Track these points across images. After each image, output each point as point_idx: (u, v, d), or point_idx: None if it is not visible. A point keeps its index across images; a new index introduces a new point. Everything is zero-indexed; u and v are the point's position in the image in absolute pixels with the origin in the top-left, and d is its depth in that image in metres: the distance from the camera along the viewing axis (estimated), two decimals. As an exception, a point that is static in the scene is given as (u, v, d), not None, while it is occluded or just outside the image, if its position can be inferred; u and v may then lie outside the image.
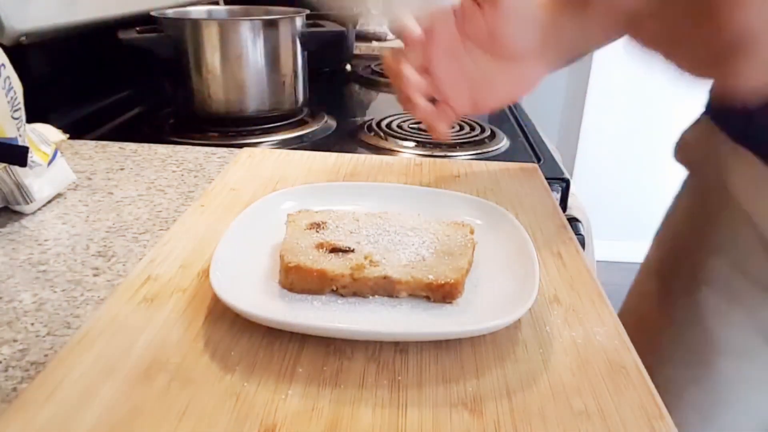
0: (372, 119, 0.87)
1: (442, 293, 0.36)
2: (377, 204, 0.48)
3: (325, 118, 0.89)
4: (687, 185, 0.62)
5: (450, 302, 0.36)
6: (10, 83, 0.47)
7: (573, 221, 0.68)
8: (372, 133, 0.82)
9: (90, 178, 0.60)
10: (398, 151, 0.76)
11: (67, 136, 0.66)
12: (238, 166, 0.60)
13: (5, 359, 0.33)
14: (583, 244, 0.62)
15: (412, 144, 0.78)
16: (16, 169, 0.49)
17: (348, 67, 1.32)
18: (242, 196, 0.53)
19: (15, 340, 0.35)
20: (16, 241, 0.47)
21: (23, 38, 0.65)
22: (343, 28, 0.90)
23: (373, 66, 1.30)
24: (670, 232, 0.63)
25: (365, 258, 0.38)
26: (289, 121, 0.85)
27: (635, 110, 2.39)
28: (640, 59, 0.36)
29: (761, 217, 0.50)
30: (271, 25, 0.79)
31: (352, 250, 0.39)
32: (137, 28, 0.77)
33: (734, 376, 0.55)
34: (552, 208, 0.52)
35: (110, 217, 0.51)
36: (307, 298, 0.37)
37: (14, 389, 0.31)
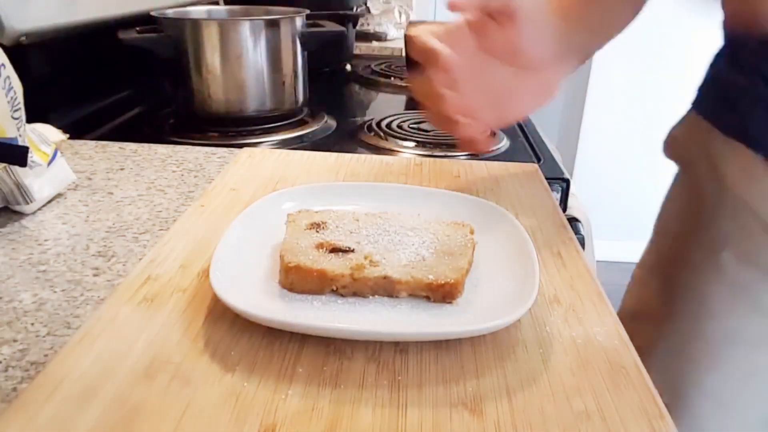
0: (372, 119, 0.87)
1: (442, 293, 0.36)
2: (377, 204, 0.48)
3: (325, 118, 0.89)
4: (679, 181, 0.63)
5: (450, 302, 0.36)
6: (10, 83, 0.47)
7: (573, 221, 0.68)
8: (372, 133, 0.82)
9: (90, 178, 0.60)
10: (398, 151, 0.76)
11: (67, 136, 0.67)
12: (238, 166, 0.60)
13: (5, 359, 0.33)
14: (583, 244, 0.62)
15: (412, 144, 0.78)
16: (16, 169, 0.49)
17: (348, 67, 1.32)
18: (242, 196, 0.53)
19: (15, 340, 0.35)
20: (16, 241, 0.47)
21: (23, 38, 0.65)
22: (343, 28, 0.90)
23: (373, 66, 1.30)
24: (668, 229, 0.63)
25: (365, 258, 0.38)
26: (289, 121, 0.85)
27: (635, 110, 2.39)
28: None
29: (763, 208, 0.51)
30: (271, 25, 0.79)
31: (352, 250, 0.39)
32: (137, 28, 0.77)
33: (745, 365, 0.56)
34: (552, 208, 0.53)
35: (110, 217, 0.51)
36: (307, 298, 0.37)
37: (14, 389, 0.31)
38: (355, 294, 0.37)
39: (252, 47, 0.78)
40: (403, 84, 1.18)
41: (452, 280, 0.36)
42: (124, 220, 0.51)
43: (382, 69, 1.28)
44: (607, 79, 2.35)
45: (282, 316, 0.34)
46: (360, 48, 1.50)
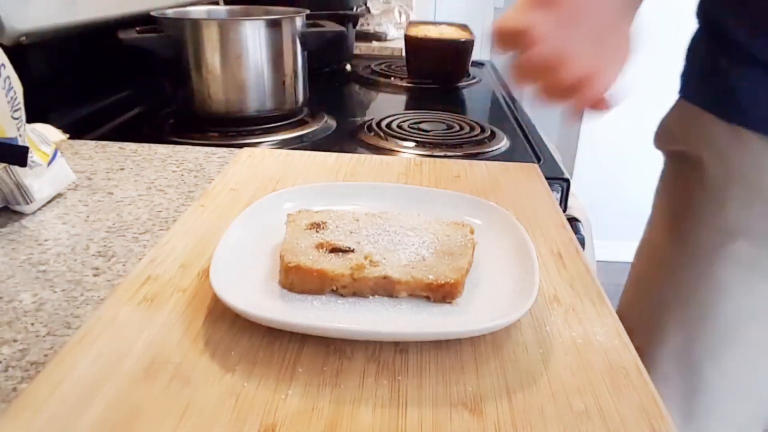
0: (372, 119, 0.87)
1: (442, 293, 0.36)
2: (377, 204, 0.48)
3: (325, 118, 0.89)
4: (671, 172, 0.63)
5: (450, 302, 0.36)
6: (10, 83, 0.47)
7: (573, 221, 0.68)
8: (372, 133, 0.82)
9: (90, 178, 0.60)
10: (398, 151, 0.76)
11: (67, 136, 0.67)
12: (238, 166, 0.60)
13: (5, 359, 0.33)
14: (583, 244, 0.62)
15: (412, 144, 0.78)
16: (16, 169, 0.49)
17: (348, 67, 1.32)
18: (242, 196, 0.53)
19: (15, 340, 0.35)
20: (16, 241, 0.47)
21: (23, 38, 0.65)
22: (343, 28, 0.90)
23: (373, 66, 1.30)
24: (666, 223, 0.63)
25: (365, 258, 0.38)
26: (289, 121, 0.85)
27: (635, 110, 2.38)
28: None
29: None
30: (271, 25, 0.79)
31: (352, 250, 0.39)
32: (137, 28, 0.77)
33: (762, 339, 0.57)
34: (552, 208, 0.53)
35: (110, 217, 0.51)
36: (307, 298, 0.37)
37: (14, 389, 0.31)
38: (355, 294, 0.37)
39: (252, 47, 0.78)
40: (403, 84, 1.18)
41: (452, 280, 0.36)
42: (124, 220, 0.51)
43: (382, 69, 1.28)
44: (607, 79, 2.35)
45: (282, 316, 0.34)
46: (360, 48, 1.50)
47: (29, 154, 0.49)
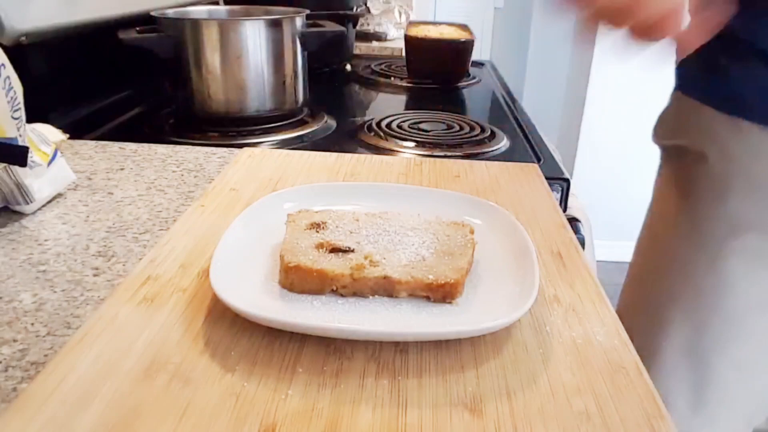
0: (372, 119, 0.87)
1: (442, 293, 0.36)
2: (377, 204, 0.48)
3: (325, 118, 0.90)
4: (669, 169, 0.63)
5: (450, 302, 0.36)
6: (10, 83, 0.47)
7: (573, 221, 0.68)
8: (372, 133, 0.82)
9: (90, 178, 0.60)
10: (398, 151, 0.76)
11: (67, 136, 0.67)
12: (238, 166, 0.60)
13: (5, 359, 0.33)
14: (583, 244, 0.62)
15: (412, 144, 0.78)
16: (16, 169, 0.49)
17: (348, 67, 1.32)
18: (242, 196, 0.53)
19: (15, 340, 0.35)
20: (16, 241, 0.47)
21: (23, 38, 0.64)
22: (343, 28, 0.90)
23: (373, 66, 1.30)
24: (668, 220, 0.64)
25: (365, 258, 0.38)
26: (289, 121, 0.85)
27: (635, 110, 2.38)
28: None
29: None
30: (271, 25, 0.79)
31: (352, 250, 0.39)
32: (137, 28, 0.77)
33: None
34: (552, 208, 0.52)
35: (110, 217, 0.51)
36: (307, 298, 0.37)
37: (14, 389, 0.31)
38: (355, 294, 0.37)
39: (252, 47, 0.78)
40: (403, 84, 1.18)
41: (452, 280, 0.36)
42: (124, 220, 0.51)
43: (382, 69, 1.28)
44: (607, 79, 2.35)
45: (282, 316, 0.34)
46: (360, 48, 1.50)
47: (29, 154, 0.49)
